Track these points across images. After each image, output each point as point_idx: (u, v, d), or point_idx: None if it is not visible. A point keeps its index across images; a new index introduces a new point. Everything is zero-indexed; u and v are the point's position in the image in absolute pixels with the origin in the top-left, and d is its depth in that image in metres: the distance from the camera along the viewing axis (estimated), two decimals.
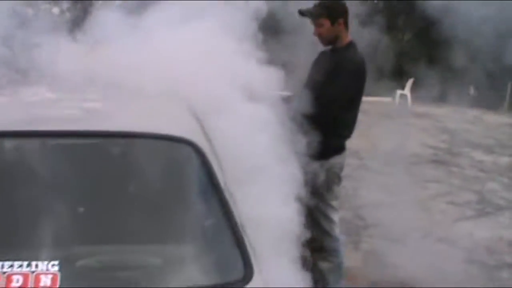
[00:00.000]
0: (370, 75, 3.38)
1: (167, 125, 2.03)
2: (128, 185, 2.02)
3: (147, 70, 2.34)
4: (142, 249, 1.81)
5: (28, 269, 1.59)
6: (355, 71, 3.23)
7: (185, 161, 2.00)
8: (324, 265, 3.27)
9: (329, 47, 3.33)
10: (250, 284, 1.64)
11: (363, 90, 3.33)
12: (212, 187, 1.86)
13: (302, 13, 3.34)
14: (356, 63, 3.24)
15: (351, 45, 3.29)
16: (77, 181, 1.89)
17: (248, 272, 1.67)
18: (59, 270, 1.59)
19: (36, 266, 1.60)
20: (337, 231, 3.31)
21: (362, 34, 4.23)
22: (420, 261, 3.95)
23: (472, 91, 14.39)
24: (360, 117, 3.38)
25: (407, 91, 13.73)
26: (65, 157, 1.97)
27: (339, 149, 3.31)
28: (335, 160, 3.26)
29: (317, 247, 3.22)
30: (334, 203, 3.31)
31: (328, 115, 3.06)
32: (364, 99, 3.42)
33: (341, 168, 3.34)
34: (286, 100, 3.13)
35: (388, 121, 9.84)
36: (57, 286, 1.56)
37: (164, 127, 2.00)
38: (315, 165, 3.07)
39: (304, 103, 3.01)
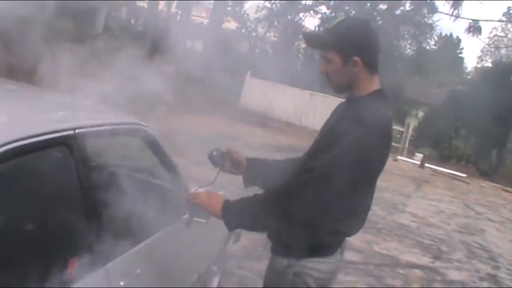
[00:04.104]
0: None
1: None
2: None
3: None
4: None
5: None
6: (370, 137, 2.02)
7: None
8: None
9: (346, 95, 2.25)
10: None
11: (382, 165, 2.17)
12: None
13: (306, 38, 2.31)
14: (374, 124, 2.04)
15: (375, 96, 2.15)
16: None
17: None
18: None
19: None
20: None
21: None
22: None
23: None
24: None
25: None
26: None
27: (324, 248, 2.17)
28: (311, 264, 2.15)
29: None
30: None
31: (314, 196, 2.02)
32: None
33: (321, 281, 2.17)
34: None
35: None
36: None
37: None
38: (277, 264, 2.20)
39: (280, 174, 2.18)
